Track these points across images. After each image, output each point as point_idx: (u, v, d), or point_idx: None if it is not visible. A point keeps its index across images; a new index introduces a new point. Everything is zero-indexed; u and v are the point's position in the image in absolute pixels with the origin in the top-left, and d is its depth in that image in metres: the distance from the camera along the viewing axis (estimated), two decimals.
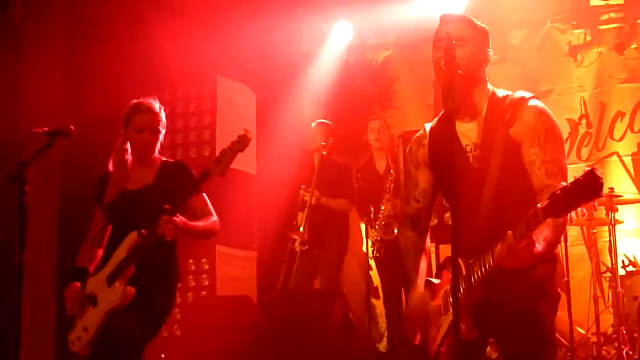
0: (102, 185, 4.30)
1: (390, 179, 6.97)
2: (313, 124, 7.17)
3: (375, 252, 6.84)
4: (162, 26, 7.37)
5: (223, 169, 3.91)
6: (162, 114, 4.29)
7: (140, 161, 4.27)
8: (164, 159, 4.33)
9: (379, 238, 6.83)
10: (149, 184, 4.20)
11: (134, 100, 4.27)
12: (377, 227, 6.80)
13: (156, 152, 4.29)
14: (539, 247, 2.71)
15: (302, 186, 6.91)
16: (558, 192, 2.49)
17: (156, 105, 4.27)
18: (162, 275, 4.16)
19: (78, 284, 4.12)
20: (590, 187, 2.42)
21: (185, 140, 7.65)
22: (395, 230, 6.68)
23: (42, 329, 6.41)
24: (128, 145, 4.27)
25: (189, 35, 7.50)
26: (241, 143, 3.94)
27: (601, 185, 2.42)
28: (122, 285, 3.95)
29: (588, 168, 2.49)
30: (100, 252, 4.26)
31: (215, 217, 4.22)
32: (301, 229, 6.78)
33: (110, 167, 4.30)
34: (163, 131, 4.30)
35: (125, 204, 4.17)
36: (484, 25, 3.15)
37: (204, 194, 4.21)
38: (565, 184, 2.49)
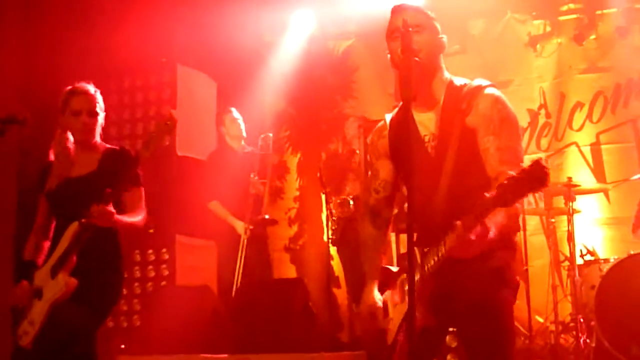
0: (44, 175, 4.26)
1: (354, 160, 7.00)
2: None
3: (332, 234, 6.79)
4: (121, 13, 7.27)
5: (150, 152, 3.88)
6: (99, 97, 4.28)
7: (82, 147, 4.24)
8: (108, 146, 4.30)
9: (335, 218, 6.79)
10: (93, 170, 4.17)
11: (70, 86, 4.24)
12: (332, 205, 6.76)
13: (97, 136, 4.28)
14: (492, 233, 2.71)
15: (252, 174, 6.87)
16: (505, 182, 2.50)
17: (91, 88, 4.27)
18: (106, 265, 4.15)
19: (26, 282, 4.07)
20: (536, 176, 2.43)
21: (145, 130, 7.56)
22: (352, 204, 6.69)
23: None
24: (69, 134, 4.22)
25: (148, 24, 7.41)
26: (169, 125, 3.92)
27: (546, 175, 2.43)
28: (65, 276, 3.93)
29: (541, 156, 2.51)
30: (47, 244, 4.22)
31: (144, 214, 4.20)
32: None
33: (51, 157, 4.26)
34: (102, 114, 4.28)
35: (69, 192, 4.14)
36: (432, 13, 3.15)
37: (142, 191, 4.20)
38: (512, 173, 2.50)
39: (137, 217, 4.15)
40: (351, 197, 6.75)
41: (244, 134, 7.05)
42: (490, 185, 2.88)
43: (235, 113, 7.09)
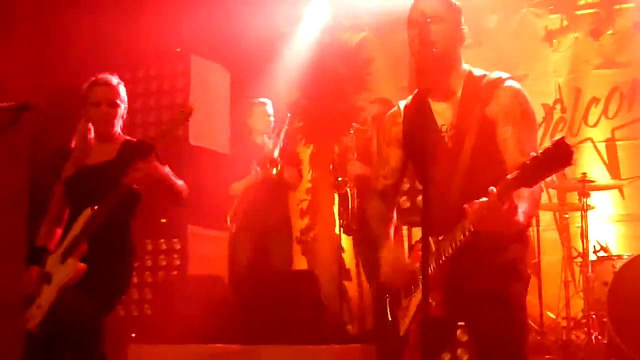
0: (62, 161, 4.28)
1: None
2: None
3: (349, 224, 6.70)
4: (136, 3, 7.28)
5: (167, 140, 3.95)
6: (121, 89, 4.30)
7: (101, 138, 4.28)
8: (128, 137, 4.31)
9: (352, 206, 6.69)
10: (110, 160, 4.18)
11: (93, 77, 4.26)
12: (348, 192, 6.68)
13: (117, 127, 4.30)
14: (521, 217, 2.66)
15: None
16: (527, 162, 2.46)
17: (114, 79, 4.30)
18: (116, 253, 4.17)
19: (35, 268, 4.09)
20: (560, 155, 2.40)
21: (158, 119, 7.56)
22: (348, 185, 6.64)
23: (10, 307, 6.33)
24: (90, 125, 4.26)
25: (163, 13, 7.41)
26: (184, 114, 3.99)
27: (571, 153, 2.40)
28: (75, 261, 3.96)
29: (563, 136, 2.48)
30: (59, 231, 4.23)
31: (183, 183, 4.21)
32: None
33: (73, 146, 4.29)
34: (123, 106, 4.31)
35: (84, 180, 4.16)
36: (457, 3, 3.12)
37: (166, 167, 4.18)
38: (535, 154, 2.46)
39: (180, 182, 4.18)
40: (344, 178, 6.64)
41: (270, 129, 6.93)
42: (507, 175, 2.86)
43: (269, 107, 6.92)
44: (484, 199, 2.56)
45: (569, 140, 6.98)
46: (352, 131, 6.67)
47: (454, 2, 3.11)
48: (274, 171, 6.63)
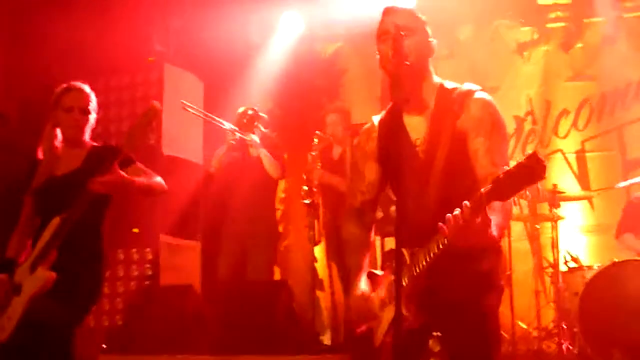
0: (30, 172, 4.25)
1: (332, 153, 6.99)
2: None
3: (319, 235, 6.68)
4: (109, 11, 7.25)
5: (133, 145, 3.85)
6: (93, 98, 4.28)
7: (70, 145, 4.25)
8: (94, 144, 4.28)
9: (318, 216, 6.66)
10: (77, 167, 4.16)
11: (65, 84, 4.25)
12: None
13: (86, 135, 4.27)
14: (494, 230, 2.68)
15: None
16: (501, 175, 2.48)
17: (86, 87, 4.28)
18: (86, 262, 4.13)
19: (5, 276, 4.04)
20: (533, 169, 2.41)
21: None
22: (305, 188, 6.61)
23: None
24: (58, 132, 4.23)
25: (136, 22, 7.39)
26: (149, 115, 3.88)
27: (544, 167, 2.40)
28: (44, 270, 3.90)
29: (536, 150, 2.49)
30: (29, 242, 4.20)
31: (159, 177, 4.18)
32: None
33: (40, 155, 4.25)
34: (93, 115, 4.28)
35: (53, 190, 4.13)
36: (422, 16, 3.14)
37: (138, 163, 4.16)
38: (507, 167, 2.48)
39: (152, 179, 4.14)
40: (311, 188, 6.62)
41: None
42: (479, 186, 2.87)
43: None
44: (457, 211, 2.58)
45: (540, 152, 7.04)
46: (316, 140, 6.67)
47: (419, 15, 3.13)
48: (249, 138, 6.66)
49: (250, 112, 6.81)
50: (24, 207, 4.31)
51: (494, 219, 2.65)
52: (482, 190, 2.55)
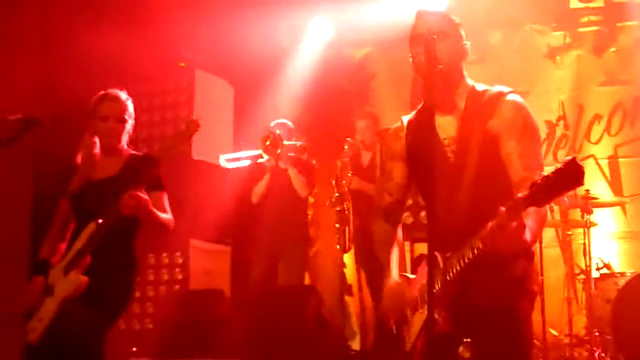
0: (68, 177, 4.29)
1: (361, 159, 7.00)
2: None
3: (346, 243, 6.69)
4: (140, 17, 7.30)
5: (170, 156, 3.95)
6: (129, 104, 4.32)
7: (107, 152, 4.29)
8: (132, 152, 4.32)
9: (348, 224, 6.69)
10: (115, 174, 4.18)
11: (102, 92, 4.28)
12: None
13: (123, 142, 4.32)
14: (528, 235, 2.66)
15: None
16: (539, 181, 2.45)
17: (122, 95, 4.32)
18: (119, 268, 4.17)
19: (41, 278, 4.09)
20: (571, 175, 2.39)
21: (162, 134, 7.58)
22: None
23: (11, 318, 6.33)
24: (96, 139, 4.27)
25: (167, 28, 7.44)
26: (190, 129, 3.98)
27: (582, 173, 2.38)
28: (77, 274, 3.95)
29: (574, 156, 2.46)
30: (63, 246, 4.24)
31: (171, 217, 4.22)
32: None
33: (78, 160, 4.30)
34: (130, 121, 4.33)
35: (90, 194, 4.16)
36: (457, 19, 3.12)
37: (166, 196, 4.21)
38: (542, 172, 2.46)
39: (167, 217, 4.18)
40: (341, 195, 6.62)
41: None
42: (512, 190, 2.85)
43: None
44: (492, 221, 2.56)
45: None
46: (346, 147, 6.68)
47: (453, 18, 3.12)
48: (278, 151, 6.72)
49: (271, 135, 6.81)
50: (58, 211, 4.35)
51: (528, 224, 2.64)
52: (520, 195, 2.53)
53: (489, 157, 2.96)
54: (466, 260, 2.80)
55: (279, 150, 6.76)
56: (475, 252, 2.75)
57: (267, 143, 6.80)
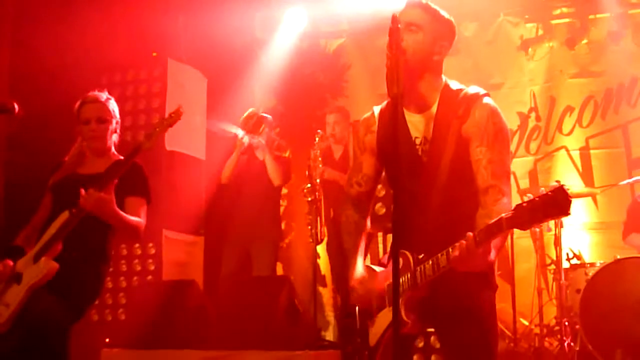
0: (54, 171, 4.35)
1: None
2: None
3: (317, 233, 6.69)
4: (114, 7, 7.25)
5: (153, 144, 4.01)
6: (111, 104, 4.38)
7: (95, 154, 4.33)
8: (121, 157, 4.32)
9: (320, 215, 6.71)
10: (99, 172, 4.18)
11: (84, 96, 4.36)
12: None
13: (110, 142, 4.35)
14: (492, 255, 2.70)
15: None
16: (524, 204, 2.45)
17: (102, 95, 4.37)
18: (90, 259, 4.17)
19: (10, 261, 4.08)
20: (558, 203, 2.38)
21: (134, 123, 7.52)
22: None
23: None
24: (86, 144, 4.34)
25: (141, 18, 7.39)
26: (172, 118, 4.06)
27: (569, 202, 2.36)
28: (47, 260, 3.95)
29: (563, 184, 2.44)
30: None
31: (143, 222, 4.21)
32: None
33: (66, 158, 4.33)
34: (114, 121, 4.36)
35: (71, 185, 4.15)
36: (450, 17, 3.09)
37: (145, 202, 4.24)
38: (531, 196, 2.45)
39: (136, 219, 4.16)
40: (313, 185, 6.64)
41: None
42: (478, 196, 2.87)
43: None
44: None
45: (543, 148, 7.01)
46: (317, 138, 6.71)
47: (444, 14, 3.07)
48: (254, 140, 6.76)
49: (255, 115, 6.86)
50: (42, 203, 4.36)
51: (494, 243, 2.66)
52: (503, 215, 2.54)
53: (460, 160, 2.95)
54: (441, 269, 2.79)
55: (260, 131, 6.81)
56: (446, 264, 2.75)
57: (251, 121, 6.82)
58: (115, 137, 4.38)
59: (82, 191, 3.88)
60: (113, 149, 4.38)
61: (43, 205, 4.35)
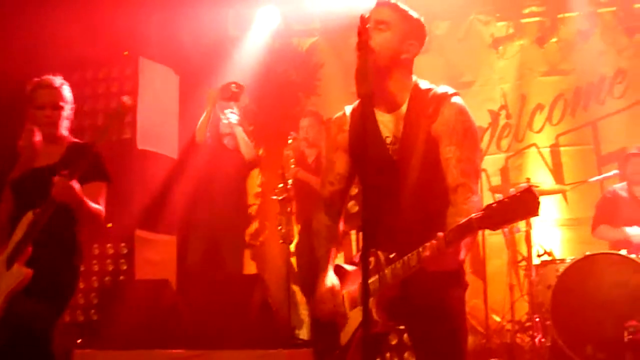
0: (11, 165, 4.24)
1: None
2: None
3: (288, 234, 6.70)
4: (86, 4, 7.20)
5: (105, 140, 4.00)
6: (65, 90, 4.28)
7: (47, 140, 4.25)
8: (74, 139, 4.27)
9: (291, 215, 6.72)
10: (55, 162, 4.13)
11: (36, 79, 4.21)
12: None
13: (63, 129, 4.27)
14: (462, 254, 2.73)
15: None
16: (494, 205, 2.48)
17: (57, 80, 4.27)
18: (63, 257, 4.13)
19: None
20: (527, 204, 2.41)
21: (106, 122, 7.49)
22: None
23: None
24: (37, 128, 4.24)
25: (112, 15, 7.34)
26: (120, 111, 4.07)
27: (538, 204, 2.40)
28: (20, 267, 3.90)
29: (533, 185, 2.48)
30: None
31: (101, 208, 4.17)
32: None
33: (19, 148, 4.25)
34: (68, 107, 4.28)
35: (30, 182, 4.12)
36: (419, 17, 3.10)
37: (105, 185, 4.19)
38: (501, 197, 2.47)
39: (96, 206, 4.12)
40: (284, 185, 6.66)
41: None
42: (449, 194, 2.89)
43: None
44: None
45: (514, 146, 7.03)
46: (290, 140, 6.74)
47: (413, 14, 3.09)
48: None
49: (233, 87, 6.90)
50: (2, 200, 4.30)
51: (463, 242, 2.69)
52: (473, 215, 2.56)
53: (430, 159, 2.97)
54: (412, 269, 2.80)
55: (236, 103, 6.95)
56: (416, 264, 2.77)
57: (229, 89, 6.91)
58: (67, 123, 4.30)
59: (55, 179, 3.84)
60: (66, 133, 4.30)
61: (4, 199, 4.29)
